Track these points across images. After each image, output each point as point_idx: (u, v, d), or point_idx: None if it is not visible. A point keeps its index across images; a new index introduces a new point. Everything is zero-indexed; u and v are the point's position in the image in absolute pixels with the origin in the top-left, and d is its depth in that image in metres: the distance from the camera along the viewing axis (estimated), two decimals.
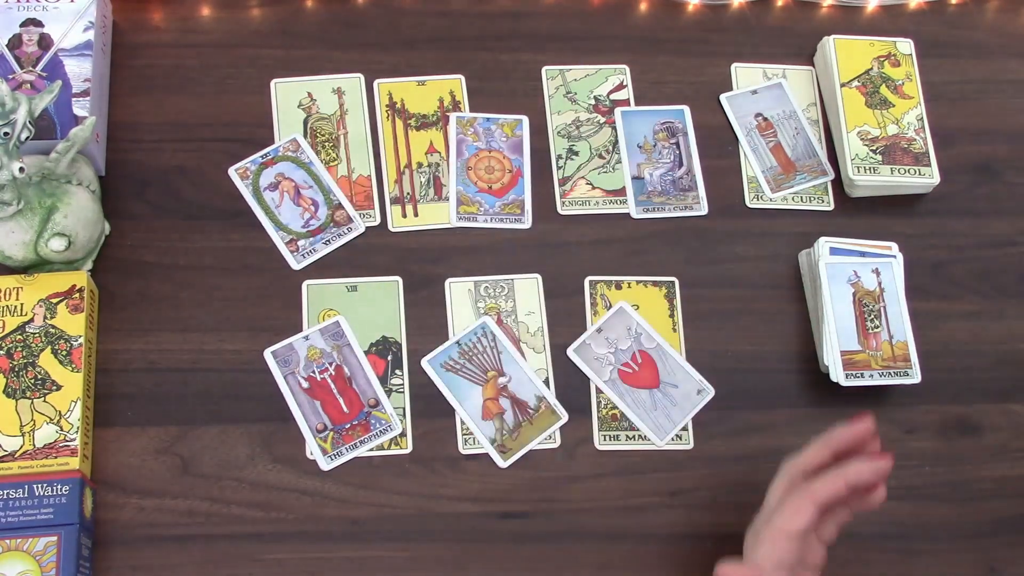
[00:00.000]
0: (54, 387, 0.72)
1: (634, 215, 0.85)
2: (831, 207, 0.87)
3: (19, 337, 0.73)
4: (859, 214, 0.87)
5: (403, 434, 0.76)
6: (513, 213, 0.84)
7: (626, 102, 0.89)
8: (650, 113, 0.88)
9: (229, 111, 0.85)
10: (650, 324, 0.81)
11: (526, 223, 0.83)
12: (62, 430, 0.71)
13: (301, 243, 0.81)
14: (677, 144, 0.87)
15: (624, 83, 0.89)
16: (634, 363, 0.79)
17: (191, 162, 0.83)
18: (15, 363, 0.73)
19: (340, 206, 0.82)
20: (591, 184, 0.85)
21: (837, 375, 0.78)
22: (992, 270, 0.86)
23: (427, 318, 0.80)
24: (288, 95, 0.86)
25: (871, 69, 0.89)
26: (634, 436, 0.77)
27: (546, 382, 0.78)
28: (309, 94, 0.86)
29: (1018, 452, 0.80)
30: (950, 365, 0.82)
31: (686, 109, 0.89)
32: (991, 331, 0.84)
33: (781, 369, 0.81)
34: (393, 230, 0.82)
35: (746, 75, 0.91)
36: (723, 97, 0.90)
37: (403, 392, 0.77)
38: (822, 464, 0.65)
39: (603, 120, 0.88)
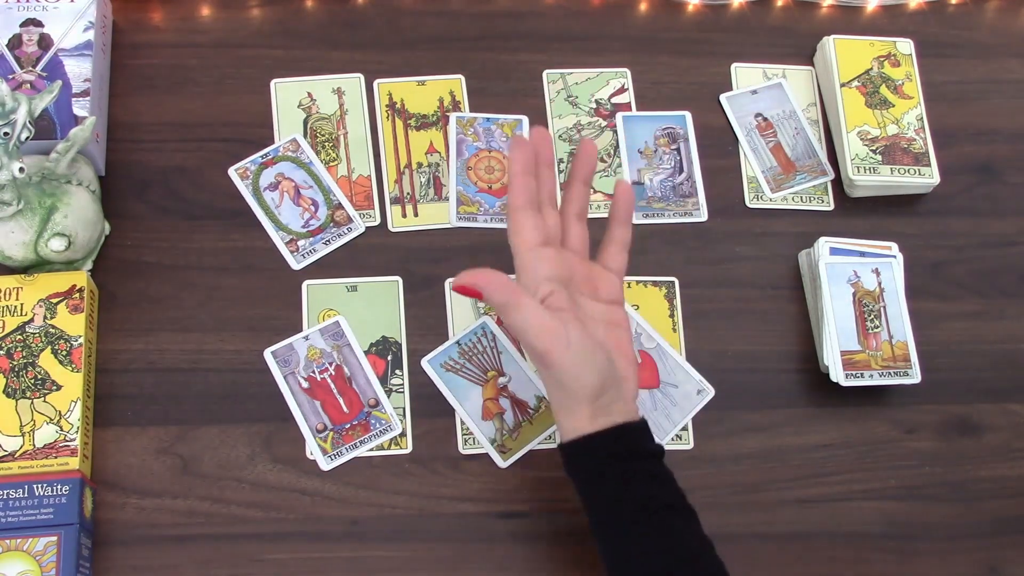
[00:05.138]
0: (54, 387, 0.72)
1: (633, 219, 0.84)
2: (831, 207, 0.87)
3: (19, 337, 0.73)
4: (859, 214, 0.87)
5: (403, 434, 0.76)
6: None
7: (627, 106, 0.88)
8: (651, 119, 0.88)
9: (229, 111, 0.85)
10: (650, 324, 0.81)
11: None
12: (62, 430, 0.71)
13: (301, 243, 0.81)
14: (678, 150, 0.87)
15: (625, 86, 0.89)
16: None
17: (191, 162, 0.83)
18: (15, 363, 0.73)
19: (340, 206, 0.82)
20: (592, 188, 0.85)
21: (837, 375, 0.78)
22: (992, 270, 0.86)
23: (427, 318, 0.79)
24: (288, 95, 0.86)
25: (871, 69, 0.89)
26: None
27: None
28: (309, 94, 0.86)
29: (1018, 452, 0.80)
30: (950, 365, 0.82)
31: (688, 115, 0.89)
32: (991, 331, 0.84)
33: (781, 369, 0.81)
34: (393, 230, 0.82)
35: (746, 75, 0.91)
36: (723, 97, 0.90)
37: (403, 392, 0.77)
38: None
39: (604, 124, 0.88)
